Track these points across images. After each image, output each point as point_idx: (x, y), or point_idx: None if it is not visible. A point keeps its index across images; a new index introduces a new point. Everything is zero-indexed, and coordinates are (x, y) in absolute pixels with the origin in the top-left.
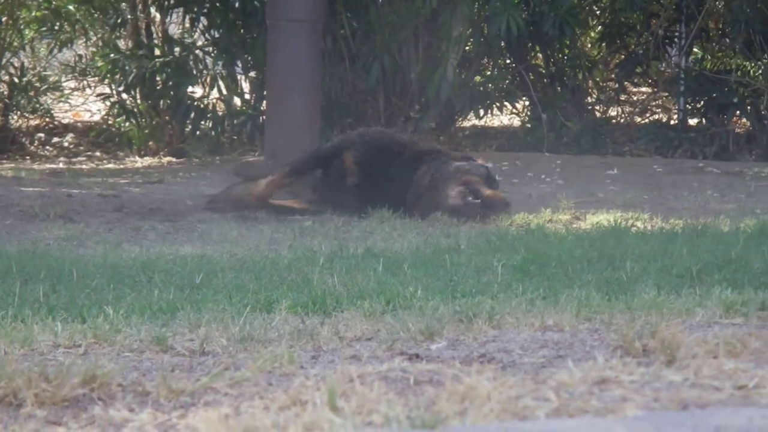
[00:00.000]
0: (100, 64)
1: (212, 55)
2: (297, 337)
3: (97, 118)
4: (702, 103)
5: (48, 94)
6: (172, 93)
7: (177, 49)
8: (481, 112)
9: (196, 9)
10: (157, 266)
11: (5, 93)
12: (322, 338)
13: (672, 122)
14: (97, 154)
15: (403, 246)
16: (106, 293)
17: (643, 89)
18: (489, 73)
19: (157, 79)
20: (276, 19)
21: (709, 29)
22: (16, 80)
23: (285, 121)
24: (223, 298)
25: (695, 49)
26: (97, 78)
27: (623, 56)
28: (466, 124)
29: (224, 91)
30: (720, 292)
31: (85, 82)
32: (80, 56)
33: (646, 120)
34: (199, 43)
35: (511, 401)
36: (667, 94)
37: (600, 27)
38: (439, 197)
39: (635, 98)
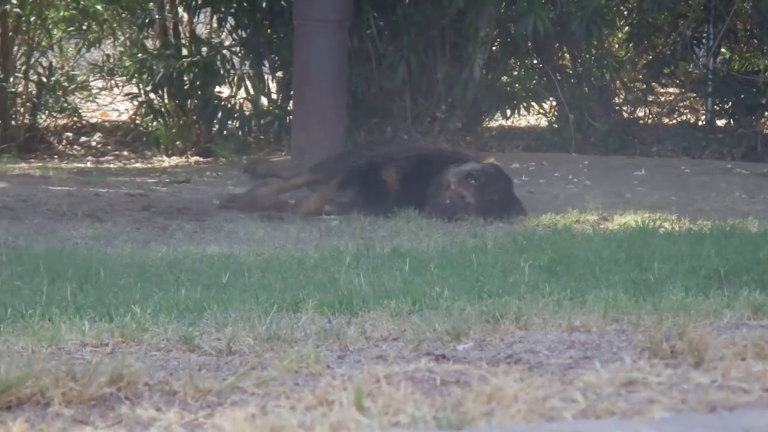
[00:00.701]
0: (127, 63)
1: (239, 55)
2: (323, 337)
3: (124, 117)
4: (730, 103)
5: (76, 93)
6: (199, 93)
7: (204, 48)
8: (508, 112)
9: (223, 9)
10: (184, 265)
11: (33, 92)
12: (349, 338)
13: (700, 123)
14: (125, 153)
15: (430, 246)
16: (134, 292)
17: (671, 90)
18: (516, 73)
19: (185, 78)
20: (303, 19)
21: (737, 30)
22: (44, 80)
23: (311, 121)
24: (250, 298)
25: (723, 50)
26: (124, 77)
27: (651, 57)
28: (493, 124)
29: (251, 91)
30: (748, 293)
31: (112, 82)
32: (108, 56)
33: (674, 121)
34: (227, 43)
35: (538, 402)
36: (694, 94)
37: (627, 27)
38: (437, 198)
39: (663, 99)
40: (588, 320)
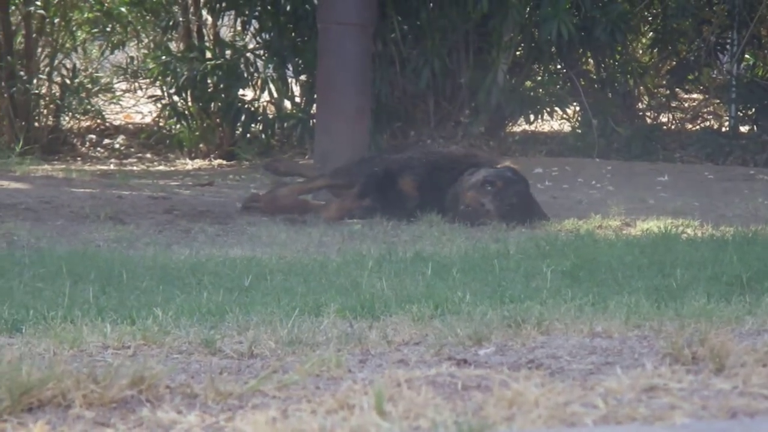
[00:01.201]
0: (151, 66)
1: (263, 58)
2: (345, 341)
3: (148, 120)
4: (753, 110)
5: (99, 95)
6: (222, 96)
7: (228, 51)
8: (532, 117)
9: (247, 12)
10: (206, 268)
11: (57, 94)
12: (370, 342)
13: (723, 129)
14: (148, 155)
15: (452, 250)
16: (156, 295)
17: (695, 96)
18: (539, 78)
19: (208, 81)
20: (327, 22)
21: (761, 36)
22: (68, 82)
23: (335, 125)
24: (272, 301)
25: (747, 56)
26: (148, 80)
27: (674, 62)
28: (516, 129)
29: (275, 94)
30: None
31: (136, 84)
32: (132, 58)
33: (697, 127)
34: (250, 46)
35: (559, 408)
36: (718, 100)
37: (651, 33)
38: (456, 205)
39: (686, 105)
40: (610, 326)
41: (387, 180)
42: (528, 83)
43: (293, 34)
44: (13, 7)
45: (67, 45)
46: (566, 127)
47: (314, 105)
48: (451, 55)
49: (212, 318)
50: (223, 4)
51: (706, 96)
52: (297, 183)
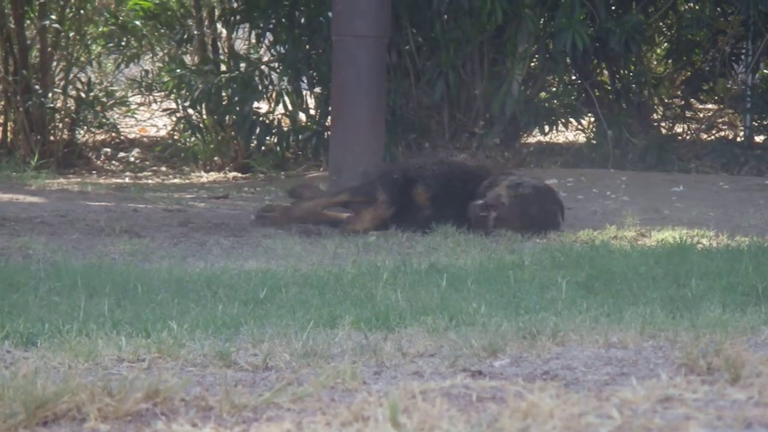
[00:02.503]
0: (166, 79)
1: (278, 70)
2: (360, 353)
3: (163, 133)
4: None
5: (114, 109)
6: (237, 108)
7: (243, 64)
8: (546, 128)
9: (261, 25)
10: (221, 281)
11: (72, 108)
12: (385, 354)
13: (738, 139)
14: (163, 169)
15: (467, 262)
16: (171, 308)
17: (709, 106)
18: (554, 89)
19: (223, 94)
20: (341, 35)
21: None
22: (83, 95)
23: (349, 137)
24: (287, 314)
25: (765, 70)
26: (163, 93)
27: (689, 73)
28: (531, 140)
29: (289, 107)
30: None
31: (151, 98)
32: (147, 71)
33: (712, 137)
34: (265, 58)
35: (574, 419)
36: (733, 111)
37: (666, 43)
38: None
39: (701, 115)
40: (625, 336)
41: (404, 191)
42: (543, 94)
43: (308, 46)
44: (29, 21)
45: (82, 59)
46: (581, 138)
47: (329, 117)
48: (465, 67)
49: (227, 330)
50: (238, 17)
51: (721, 106)
52: (319, 198)
